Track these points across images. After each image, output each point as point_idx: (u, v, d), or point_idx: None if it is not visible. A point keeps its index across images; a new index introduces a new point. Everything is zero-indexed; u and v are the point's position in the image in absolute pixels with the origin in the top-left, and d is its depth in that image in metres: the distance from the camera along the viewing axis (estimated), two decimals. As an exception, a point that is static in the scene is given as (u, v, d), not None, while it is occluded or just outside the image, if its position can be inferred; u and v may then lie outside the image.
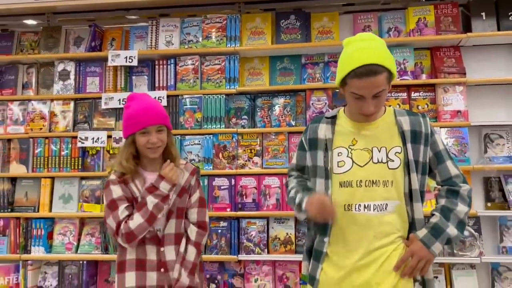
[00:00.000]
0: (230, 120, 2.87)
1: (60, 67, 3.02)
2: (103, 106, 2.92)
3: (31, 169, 2.95)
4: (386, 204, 1.57)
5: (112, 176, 1.83)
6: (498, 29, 2.69)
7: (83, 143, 2.90)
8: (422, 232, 1.56)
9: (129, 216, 1.75)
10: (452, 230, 1.56)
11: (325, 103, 2.78)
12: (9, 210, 2.94)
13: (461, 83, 2.68)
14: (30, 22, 3.30)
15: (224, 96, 2.84)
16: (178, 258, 1.80)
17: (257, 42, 2.87)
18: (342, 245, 1.60)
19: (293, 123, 2.80)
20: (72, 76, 3.00)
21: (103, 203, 2.80)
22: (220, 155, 2.80)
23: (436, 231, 1.55)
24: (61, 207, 2.91)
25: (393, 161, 1.57)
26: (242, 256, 2.69)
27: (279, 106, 2.83)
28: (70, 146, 2.93)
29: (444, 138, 2.62)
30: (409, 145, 1.57)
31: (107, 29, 3.10)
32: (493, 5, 2.73)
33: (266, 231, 2.73)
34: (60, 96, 2.99)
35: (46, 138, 2.96)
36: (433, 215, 1.61)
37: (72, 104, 2.99)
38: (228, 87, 2.85)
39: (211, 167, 2.80)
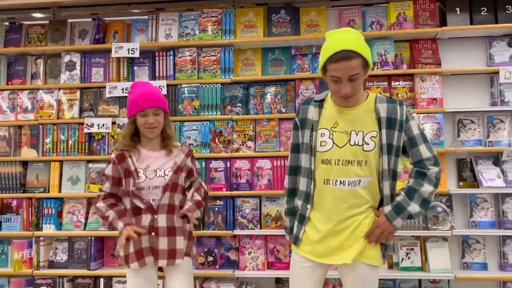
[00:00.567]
0: (225, 108, 3.10)
1: (66, 58, 3.22)
2: (107, 95, 3.13)
3: (41, 153, 3.17)
4: (359, 180, 1.84)
5: (112, 155, 2.19)
6: (471, 23, 2.91)
7: (89, 129, 3.12)
8: (387, 208, 1.85)
9: (105, 195, 2.18)
10: (413, 208, 1.84)
11: (313, 91, 3.01)
12: (22, 191, 3.16)
13: (436, 73, 2.92)
14: (37, 15, 3.49)
15: (220, 85, 3.06)
16: (187, 199, 2.19)
17: (250, 35, 3.09)
18: (321, 212, 1.88)
19: (283, 110, 3.04)
20: (78, 67, 3.21)
21: (108, 184, 3.08)
22: (216, 140, 3.04)
23: (398, 209, 1.84)
24: (69, 188, 3.14)
25: (368, 144, 1.83)
26: (237, 231, 2.95)
27: (270, 95, 3.06)
28: (77, 132, 3.16)
29: (420, 123, 2.87)
30: (384, 131, 1.83)
31: (109, 22, 3.30)
32: (467, 1, 2.94)
33: (259, 208, 2.98)
34: (66, 85, 3.20)
35: (55, 124, 3.17)
36: (399, 194, 1.89)
37: (78, 93, 3.20)
38: (223, 77, 3.07)
39: (208, 151, 3.03)
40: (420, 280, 2.86)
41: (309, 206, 1.91)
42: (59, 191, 3.14)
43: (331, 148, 1.87)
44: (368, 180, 1.85)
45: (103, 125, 3.11)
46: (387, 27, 3.01)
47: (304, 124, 1.96)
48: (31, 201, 3.15)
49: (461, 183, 2.89)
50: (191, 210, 2.14)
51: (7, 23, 3.36)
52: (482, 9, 2.92)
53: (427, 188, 1.85)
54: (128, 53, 3.10)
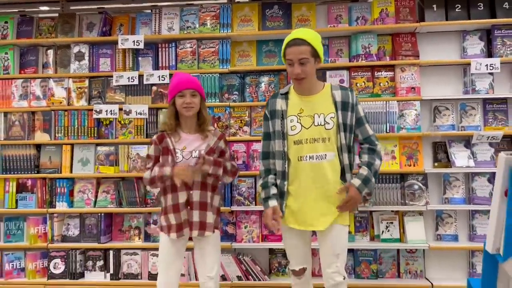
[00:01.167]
0: (223, 95, 3.38)
1: (75, 49, 3.48)
2: (114, 83, 3.40)
3: (54, 137, 3.43)
4: (326, 154, 2.23)
5: (154, 137, 2.48)
6: (447, 19, 3.19)
7: (97, 115, 3.39)
8: (357, 182, 2.24)
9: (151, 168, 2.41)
10: (371, 184, 2.25)
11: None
12: (36, 172, 3.44)
13: (415, 64, 3.21)
14: (46, 8, 3.72)
15: (218, 75, 3.33)
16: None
17: (246, 29, 3.36)
18: (298, 185, 2.28)
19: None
20: (86, 57, 3.47)
21: (116, 165, 3.37)
22: (215, 125, 3.32)
23: (366, 181, 2.24)
24: (80, 169, 3.41)
25: (328, 123, 2.22)
26: (234, 208, 3.25)
27: (264, 83, 3.35)
28: (86, 117, 3.43)
29: (400, 110, 3.18)
30: (339, 112, 2.22)
31: (115, 16, 3.54)
32: (443, -2, 3.25)
33: (254, 187, 3.28)
34: (76, 74, 3.46)
35: (66, 111, 3.44)
36: (361, 167, 2.27)
37: (87, 81, 3.46)
38: (221, 67, 3.35)
39: (208, 135, 3.32)
40: (398, 250, 3.20)
41: (286, 183, 2.28)
42: (71, 171, 3.42)
43: (300, 131, 2.24)
44: (331, 154, 2.23)
45: (110, 111, 3.38)
46: (371, 22, 3.29)
47: (274, 115, 2.31)
48: (44, 181, 3.42)
49: (436, 164, 3.21)
50: (208, 160, 2.37)
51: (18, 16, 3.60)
52: (456, 6, 3.21)
53: (377, 162, 2.28)
54: (134, 45, 3.35)
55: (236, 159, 3.28)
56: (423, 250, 3.17)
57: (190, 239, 2.55)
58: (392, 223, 3.18)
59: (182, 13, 3.42)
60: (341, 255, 2.28)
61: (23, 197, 3.41)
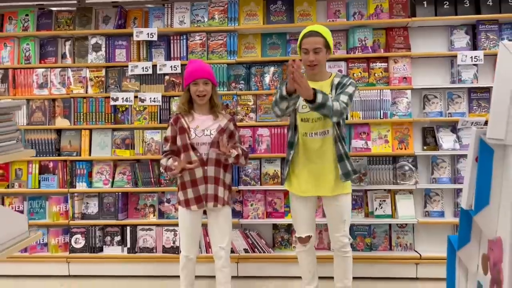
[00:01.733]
0: (230, 84, 3.66)
1: (93, 41, 3.74)
2: (130, 73, 3.66)
3: (73, 122, 3.70)
4: (327, 130, 2.60)
5: (171, 120, 2.78)
6: (436, 15, 3.48)
7: (114, 102, 3.65)
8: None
9: (167, 152, 2.75)
10: (325, 100, 2.34)
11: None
12: (57, 154, 3.71)
13: (407, 56, 3.50)
14: (63, 2, 3.96)
15: (226, 65, 3.61)
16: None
17: (251, 22, 3.63)
18: (303, 156, 2.64)
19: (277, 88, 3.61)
20: (103, 48, 3.73)
21: (131, 148, 3.65)
22: (223, 112, 3.60)
23: (323, 94, 2.37)
24: (98, 152, 3.69)
25: None
26: (241, 187, 3.55)
27: (269, 74, 3.63)
28: (103, 104, 3.70)
29: (392, 98, 3.48)
30: (333, 91, 2.58)
31: (129, 9, 3.80)
32: (433, -5, 3.54)
33: (259, 168, 3.58)
34: (93, 64, 3.72)
35: (84, 98, 3.71)
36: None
37: (103, 71, 3.72)
38: (229, 58, 3.62)
39: (216, 121, 3.61)
40: (390, 225, 3.53)
41: (292, 152, 2.65)
42: (89, 154, 3.69)
43: (308, 111, 2.54)
44: (330, 130, 2.60)
45: (126, 98, 3.65)
46: (367, 17, 3.57)
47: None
48: (65, 163, 3.70)
49: (425, 147, 3.53)
50: (238, 151, 2.72)
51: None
52: (444, 2, 3.50)
53: (336, 105, 2.42)
54: (148, 37, 3.62)
55: (242, 143, 3.57)
56: (413, 225, 3.50)
57: (204, 212, 2.86)
58: (384, 200, 3.50)
59: (192, 7, 3.68)
60: (347, 220, 2.67)
61: (45, 178, 3.69)
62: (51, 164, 3.71)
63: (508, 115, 1.45)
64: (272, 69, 3.62)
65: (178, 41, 3.68)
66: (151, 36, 3.62)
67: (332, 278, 2.84)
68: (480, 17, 3.44)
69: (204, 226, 3.10)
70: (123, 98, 3.65)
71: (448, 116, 3.49)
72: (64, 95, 3.72)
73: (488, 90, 3.48)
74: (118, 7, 3.73)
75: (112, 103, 3.65)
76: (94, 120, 3.69)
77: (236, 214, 3.57)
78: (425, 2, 3.51)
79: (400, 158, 3.48)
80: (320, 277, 2.97)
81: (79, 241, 3.63)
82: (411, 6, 3.56)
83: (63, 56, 3.80)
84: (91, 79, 3.73)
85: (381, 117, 3.46)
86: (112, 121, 3.69)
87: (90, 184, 3.68)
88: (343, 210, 2.64)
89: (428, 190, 3.52)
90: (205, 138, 2.69)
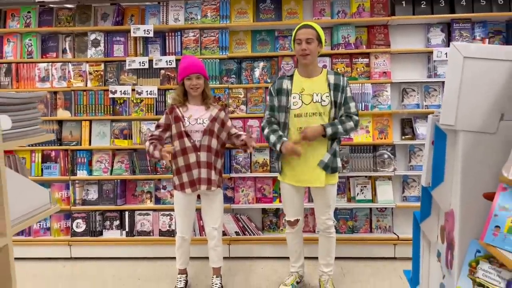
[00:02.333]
0: (222, 78, 3.89)
1: (92, 37, 3.95)
2: (127, 67, 3.88)
3: (74, 114, 3.92)
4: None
5: (167, 109, 3.01)
6: (413, 14, 3.74)
7: (113, 94, 3.88)
8: (325, 124, 2.74)
9: (154, 136, 2.97)
10: (339, 129, 2.73)
11: (292, 66, 3.84)
12: (59, 144, 3.92)
13: (387, 52, 3.77)
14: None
15: (218, 60, 3.84)
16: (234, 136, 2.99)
17: (242, 20, 3.87)
18: None
19: (269, 80, 3.85)
20: (102, 44, 3.94)
21: (129, 138, 3.88)
22: (215, 104, 3.84)
23: (332, 125, 2.73)
24: (97, 142, 3.92)
25: (324, 101, 2.74)
26: (233, 175, 3.80)
27: (258, 68, 3.87)
28: (102, 97, 3.92)
29: (373, 91, 3.75)
30: (332, 92, 2.75)
31: (127, 7, 4.01)
32: (411, -5, 3.80)
33: (250, 157, 3.83)
34: (93, 59, 3.94)
35: (84, 91, 3.93)
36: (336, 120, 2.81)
37: (102, 65, 3.94)
38: (221, 53, 3.86)
39: (209, 112, 3.84)
40: (370, 209, 3.80)
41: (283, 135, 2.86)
42: (89, 144, 3.92)
43: (301, 106, 2.78)
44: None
45: (124, 91, 3.87)
46: (350, 15, 3.82)
47: (280, 92, 2.85)
48: (66, 152, 3.92)
49: (403, 137, 3.80)
50: (249, 137, 2.95)
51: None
52: (422, 2, 3.75)
53: (350, 123, 2.78)
54: (144, 33, 3.84)
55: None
56: (391, 209, 3.78)
57: (198, 197, 3.10)
58: (365, 186, 3.77)
59: (186, 6, 3.91)
60: (332, 205, 2.91)
61: (47, 166, 3.91)
62: (53, 153, 3.92)
63: (457, 105, 1.72)
64: (261, 64, 3.86)
65: (173, 37, 3.90)
66: (148, 32, 3.84)
67: (317, 258, 3.11)
68: (454, 16, 3.70)
69: (198, 211, 3.34)
70: (121, 91, 3.87)
71: (425, 108, 3.75)
72: (65, 88, 3.93)
73: (461, 84, 3.74)
74: (116, 5, 3.94)
75: (110, 95, 3.88)
76: (93, 111, 3.91)
77: (228, 199, 3.82)
78: (403, 2, 3.76)
79: (380, 147, 3.75)
80: (305, 257, 3.25)
81: (80, 225, 3.86)
82: (391, 5, 3.81)
83: (64, 51, 4.01)
84: (90, 73, 3.94)
85: (363, 109, 3.72)
86: (111, 112, 3.91)
87: (90, 172, 3.91)
88: (329, 197, 2.90)
89: (405, 176, 3.79)
90: (198, 126, 2.93)
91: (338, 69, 3.80)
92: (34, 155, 3.92)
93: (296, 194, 2.94)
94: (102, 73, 3.94)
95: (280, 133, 2.85)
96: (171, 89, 3.84)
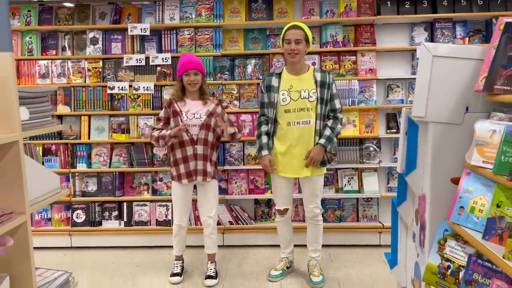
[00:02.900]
0: (216, 75, 4.07)
1: (91, 35, 4.10)
2: (125, 64, 4.03)
3: (73, 109, 4.08)
4: (309, 120, 2.94)
5: (165, 103, 3.18)
6: (398, 13, 3.92)
7: (111, 90, 4.04)
8: (322, 141, 2.97)
9: (157, 128, 3.13)
10: (333, 142, 2.99)
11: (282, 63, 4.02)
12: (59, 138, 4.08)
13: (373, 50, 3.96)
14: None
15: (212, 58, 4.01)
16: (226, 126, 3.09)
17: (235, 19, 4.04)
18: (287, 143, 3.03)
19: (260, 77, 4.02)
20: (100, 42, 4.10)
21: (127, 133, 4.04)
22: (211, 98, 4.01)
23: (329, 139, 2.97)
24: (96, 136, 4.08)
25: (311, 97, 2.93)
26: (227, 167, 3.98)
27: (251, 65, 4.05)
28: (101, 92, 4.08)
29: (360, 87, 3.94)
30: (319, 89, 2.95)
31: (124, 6, 4.17)
32: (396, -4, 3.99)
33: (242, 150, 4.01)
34: (91, 56, 4.09)
35: (83, 87, 4.08)
36: (326, 129, 3.01)
37: (101, 62, 4.10)
38: (215, 51, 4.03)
39: (204, 107, 4.02)
40: (357, 199, 4.01)
41: (270, 142, 3.05)
42: (88, 138, 4.08)
43: (289, 102, 2.97)
44: (312, 120, 2.99)
45: (122, 87, 4.04)
46: (338, 14, 4.00)
47: (269, 89, 3.05)
48: (66, 146, 4.08)
49: (388, 131, 4.00)
50: (227, 123, 3.10)
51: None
52: (406, 2, 3.94)
53: (339, 126, 3.04)
54: (141, 32, 4.00)
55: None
56: (377, 199, 3.99)
57: (194, 188, 3.28)
58: (352, 178, 3.97)
59: (181, 5, 4.07)
60: (319, 195, 3.12)
61: (48, 159, 4.06)
62: (53, 147, 4.08)
63: (427, 99, 1.92)
64: (253, 61, 4.04)
65: (169, 35, 4.07)
66: (144, 31, 4.00)
67: (306, 245, 3.30)
68: (436, 16, 3.89)
69: (194, 201, 3.52)
70: (119, 87, 4.03)
71: (409, 103, 3.95)
72: (65, 84, 4.09)
73: (443, 80, 3.95)
74: (114, 4, 4.10)
75: (109, 91, 4.04)
76: (92, 107, 4.08)
77: (222, 190, 4.00)
78: (388, 2, 3.95)
79: (366, 140, 3.95)
80: (295, 245, 3.45)
81: (80, 216, 4.03)
82: (377, 5, 4.00)
83: (63, 48, 4.16)
84: (89, 70, 4.10)
85: (350, 104, 3.92)
86: (109, 108, 4.07)
87: (89, 165, 4.07)
88: (316, 187, 3.10)
89: (390, 168, 4.00)
90: (195, 120, 3.10)
91: (327, 66, 3.99)
92: (35, 149, 4.07)
93: (285, 184, 3.13)
94: (100, 70, 4.10)
95: (265, 140, 3.04)
96: (167, 85, 4.01)
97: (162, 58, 4.01)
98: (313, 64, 3.96)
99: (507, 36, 1.69)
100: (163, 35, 4.07)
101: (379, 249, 3.82)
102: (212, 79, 4.02)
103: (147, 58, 4.03)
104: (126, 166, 4.05)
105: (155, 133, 3.11)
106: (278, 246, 3.45)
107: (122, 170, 4.06)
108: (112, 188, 4.03)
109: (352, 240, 3.91)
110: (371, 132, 3.95)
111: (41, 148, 4.08)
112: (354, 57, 4.00)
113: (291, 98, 2.97)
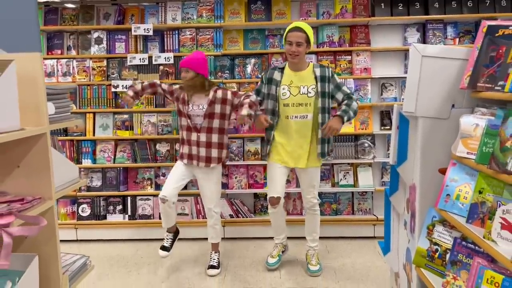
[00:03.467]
0: (217, 74, 4.22)
1: (95, 35, 4.24)
2: (128, 63, 4.18)
3: (79, 106, 4.21)
4: (307, 115, 3.10)
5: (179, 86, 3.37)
6: (391, 15, 4.09)
7: (115, 88, 4.18)
8: (339, 112, 3.10)
9: (150, 82, 3.42)
10: (350, 114, 3.12)
11: (281, 62, 4.17)
12: (65, 135, 4.22)
13: (367, 50, 4.13)
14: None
15: (213, 57, 4.17)
16: (241, 105, 3.21)
17: (235, 20, 4.19)
18: (284, 136, 3.18)
19: (259, 76, 4.18)
20: (104, 42, 4.24)
21: (131, 130, 4.19)
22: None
23: (345, 111, 3.11)
24: (101, 132, 4.22)
25: (310, 93, 3.09)
26: (227, 162, 4.13)
27: (250, 64, 4.20)
28: (105, 91, 4.22)
29: (355, 85, 4.11)
30: (319, 84, 3.09)
31: (127, 7, 4.31)
32: (389, -2, 4.15)
33: (242, 146, 4.17)
34: (96, 55, 4.23)
35: (88, 85, 4.22)
36: (341, 106, 3.17)
37: (105, 61, 4.24)
38: (215, 51, 4.18)
39: (205, 105, 4.17)
40: (352, 193, 4.17)
41: (272, 132, 3.21)
42: (93, 135, 4.22)
43: (289, 96, 3.13)
44: (310, 115, 3.15)
45: (126, 86, 4.16)
46: (334, 16, 4.17)
47: (271, 81, 3.21)
48: (72, 142, 4.21)
49: (382, 127, 4.16)
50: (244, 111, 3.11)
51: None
52: (399, 4, 4.10)
53: (354, 104, 3.18)
54: (144, 32, 4.14)
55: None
56: (371, 192, 4.16)
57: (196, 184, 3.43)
58: (348, 172, 4.14)
59: (183, 6, 4.22)
60: (316, 185, 3.29)
61: (54, 155, 4.19)
62: (59, 144, 4.21)
63: (417, 95, 2.08)
64: (253, 60, 4.19)
65: (171, 35, 4.21)
66: (147, 31, 4.14)
67: (304, 238, 3.47)
68: (428, 17, 4.06)
69: (197, 195, 3.66)
70: (123, 86, 4.17)
71: (402, 101, 4.10)
72: (70, 83, 4.22)
73: (434, 79, 4.12)
74: (117, 5, 4.24)
75: (113, 90, 4.18)
76: (97, 104, 4.22)
77: (222, 185, 4.09)
78: (382, 4, 4.11)
79: (361, 137, 4.12)
80: (294, 237, 3.62)
81: (85, 210, 4.17)
82: (371, 7, 4.16)
83: (69, 48, 4.30)
84: (94, 69, 4.24)
85: (346, 102, 4.08)
86: (113, 105, 4.21)
87: (94, 161, 4.21)
88: (313, 178, 3.27)
89: (384, 163, 4.16)
90: (198, 111, 3.26)
91: (311, 62, 4.13)
92: (42, 145, 4.20)
93: (281, 173, 3.26)
94: (105, 68, 4.24)
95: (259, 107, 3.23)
96: (170, 83, 4.15)
97: (165, 58, 4.16)
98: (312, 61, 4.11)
99: (489, 38, 1.86)
100: (165, 35, 4.22)
101: (373, 241, 3.99)
102: (212, 78, 4.16)
103: (150, 58, 4.17)
104: (130, 161, 4.19)
105: (138, 86, 3.41)
106: (277, 238, 3.61)
107: (126, 166, 4.20)
108: (116, 183, 4.18)
109: (348, 232, 4.08)
110: (365, 129, 4.12)
111: (47, 144, 4.20)
112: (350, 57, 4.16)
113: (290, 93, 3.14)
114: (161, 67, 4.20)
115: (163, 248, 3.45)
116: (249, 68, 4.20)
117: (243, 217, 4.13)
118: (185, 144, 3.32)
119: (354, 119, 4.02)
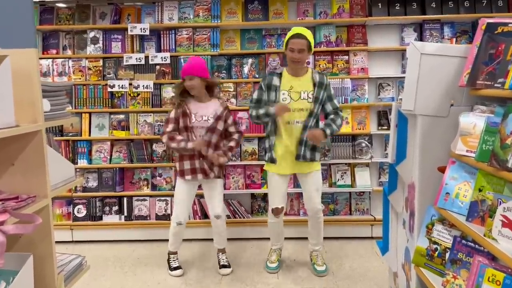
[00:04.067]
0: (214, 74, 4.19)
1: (91, 35, 4.21)
2: (124, 63, 4.15)
3: (74, 106, 4.18)
4: (303, 120, 3.09)
5: (176, 103, 3.24)
6: (389, 15, 4.09)
7: (111, 88, 4.16)
8: (322, 126, 3.10)
9: (170, 132, 3.18)
10: (333, 128, 3.10)
11: (278, 62, 4.16)
12: (60, 135, 4.19)
13: (364, 50, 4.13)
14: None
15: (210, 57, 4.14)
16: (225, 147, 3.25)
17: (232, 20, 4.17)
18: (285, 141, 3.13)
19: (257, 76, 4.17)
20: (100, 41, 4.21)
21: (127, 130, 4.16)
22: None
23: (327, 125, 3.10)
24: (97, 133, 4.19)
25: (310, 98, 3.09)
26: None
27: (247, 64, 4.19)
28: (101, 90, 4.19)
29: (352, 85, 4.10)
30: (316, 89, 3.10)
31: (123, 7, 4.28)
32: (386, -2, 4.15)
33: (239, 146, 4.15)
34: (92, 55, 4.20)
35: (84, 85, 4.19)
36: (327, 120, 3.17)
37: (101, 61, 4.21)
38: (212, 50, 4.16)
39: (202, 105, 4.14)
40: (350, 193, 4.16)
41: (273, 138, 3.18)
42: (89, 135, 4.19)
43: (290, 102, 3.10)
44: (309, 119, 3.11)
45: (122, 85, 4.15)
46: (331, 16, 4.16)
47: (270, 87, 3.17)
48: (68, 142, 4.18)
49: (379, 127, 4.16)
50: (220, 156, 3.22)
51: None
52: (396, 4, 4.10)
53: (339, 120, 3.17)
54: (140, 32, 4.12)
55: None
56: (369, 193, 4.14)
57: (199, 187, 3.40)
58: (345, 173, 4.13)
59: (180, 6, 4.20)
60: (319, 190, 3.26)
61: (50, 155, 4.16)
62: (55, 142, 4.18)
63: (416, 93, 2.07)
64: (250, 60, 4.18)
65: (168, 35, 4.19)
66: (144, 30, 4.12)
67: (302, 238, 3.46)
68: (425, 17, 4.07)
69: (196, 197, 3.64)
70: (119, 85, 4.14)
71: (399, 101, 4.10)
72: (66, 82, 4.19)
73: (431, 79, 4.12)
74: (114, 5, 4.21)
75: (109, 89, 4.15)
76: (93, 104, 4.19)
77: (219, 185, 4.13)
78: (379, 4, 4.11)
79: (359, 137, 4.11)
80: (291, 238, 3.60)
81: (81, 210, 4.14)
82: (368, 7, 4.16)
83: (64, 48, 4.27)
84: (90, 69, 4.21)
85: (343, 102, 4.07)
86: (109, 105, 4.18)
87: (90, 161, 4.18)
88: (316, 183, 3.23)
89: (381, 163, 4.16)
90: (203, 123, 3.20)
91: (320, 65, 4.14)
92: (37, 146, 4.17)
93: (283, 182, 3.25)
94: (101, 68, 4.21)
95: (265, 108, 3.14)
96: (166, 83, 4.14)
97: (161, 57, 4.14)
98: (307, 64, 4.10)
99: (488, 36, 1.85)
100: (162, 35, 4.20)
101: (371, 241, 3.98)
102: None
103: (146, 57, 4.14)
104: (126, 162, 4.16)
105: (173, 144, 3.18)
106: (274, 239, 3.59)
107: (122, 166, 4.17)
108: (112, 184, 4.14)
109: (346, 232, 4.07)
110: (363, 129, 4.11)
111: (42, 144, 4.17)
112: (347, 57, 4.15)
113: (291, 98, 3.11)
114: (157, 67, 4.18)
115: (176, 268, 3.41)
116: (246, 68, 4.18)
117: (240, 217, 4.11)
118: (186, 160, 3.22)
119: (351, 119, 4.05)
